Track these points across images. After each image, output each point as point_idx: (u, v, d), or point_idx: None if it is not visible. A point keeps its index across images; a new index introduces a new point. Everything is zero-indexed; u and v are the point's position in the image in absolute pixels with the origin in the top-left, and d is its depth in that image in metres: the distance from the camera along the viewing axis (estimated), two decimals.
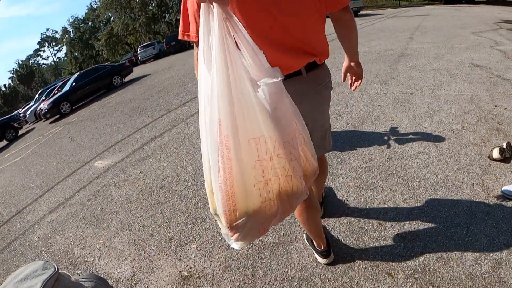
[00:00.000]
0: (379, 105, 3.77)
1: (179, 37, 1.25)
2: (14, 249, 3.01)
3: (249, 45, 0.62)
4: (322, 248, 1.74)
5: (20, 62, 57.39)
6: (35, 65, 59.62)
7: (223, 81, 0.59)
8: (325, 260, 1.78)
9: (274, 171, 0.63)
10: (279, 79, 0.60)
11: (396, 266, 1.67)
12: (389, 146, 2.83)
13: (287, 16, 1.07)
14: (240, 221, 0.66)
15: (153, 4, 35.94)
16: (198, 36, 0.97)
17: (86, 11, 51.49)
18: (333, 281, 1.66)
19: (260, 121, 0.62)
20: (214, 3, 0.59)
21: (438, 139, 2.77)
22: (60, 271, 0.73)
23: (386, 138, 2.98)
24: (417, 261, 1.67)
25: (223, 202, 0.67)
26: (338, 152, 2.91)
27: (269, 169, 0.63)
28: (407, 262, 1.67)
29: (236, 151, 0.61)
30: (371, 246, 1.82)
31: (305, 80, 1.23)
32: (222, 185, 0.66)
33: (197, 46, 1.09)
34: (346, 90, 4.46)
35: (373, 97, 4.06)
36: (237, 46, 0.64)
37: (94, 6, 46.77)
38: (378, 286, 1.58)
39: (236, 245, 0.73)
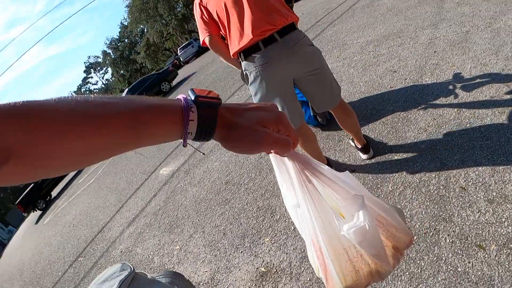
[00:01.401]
0: (435, 52, 3.38)
1: (204, 40, 1.89)
2: (100, 266, 3.29)
3: (330, 181, 0.63)
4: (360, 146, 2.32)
5: (73, 94, 62.10)
6: (88, 92, 64.02)
7: (311, 221, 0.65)
8: (366, 155, 2.34)
9: (365, 261, 0.69)
10: (363, 223, 0.61)
11: (486, 236, 1.47)
12: (456, 96, 2.52)
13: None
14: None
15: (180, 5, 36.39)
16: (217, 29, 1.83)
17: (119, 30, 54.28)
18: (418, 261, 1.53)
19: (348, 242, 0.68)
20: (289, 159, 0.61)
21: (509, 78, 2.39)
22: (136, 271, 0.79)
23: (451, 87, 2.65)
24: (510, 227, 1.45)
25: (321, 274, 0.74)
26: (402, 113, 2.66)
27: (359, 261, 0.69)
28: (499, 230, 1.46)
29: (327, 257, 0.68)
30: (455, 215, 1.63)
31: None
32: (316, 264, 0.73)
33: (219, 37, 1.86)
34: (395, 43, 4.07)
35: (427, 44, 3.64)
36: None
37: (125, 24, 48.99)
38: (469, 262, 1.41)
39: None
